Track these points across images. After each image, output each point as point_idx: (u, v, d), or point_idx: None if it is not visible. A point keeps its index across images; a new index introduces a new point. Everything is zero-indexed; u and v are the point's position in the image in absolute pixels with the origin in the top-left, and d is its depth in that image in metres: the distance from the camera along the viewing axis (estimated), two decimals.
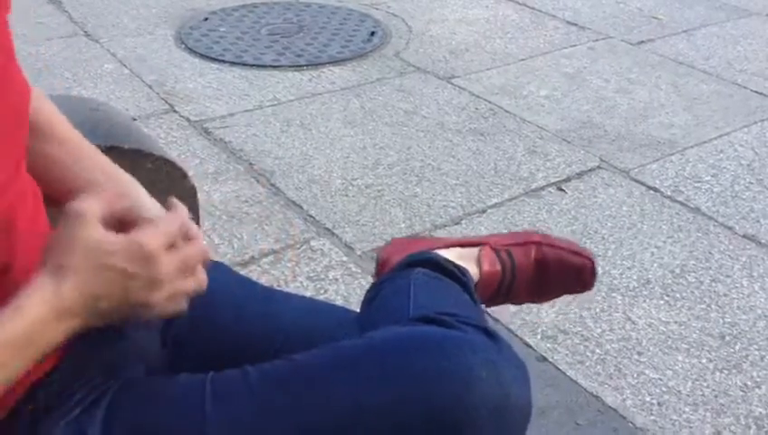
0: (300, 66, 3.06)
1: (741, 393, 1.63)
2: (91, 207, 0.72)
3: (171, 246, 0.73)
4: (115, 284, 0.71)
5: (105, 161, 0.90)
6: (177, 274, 0.73)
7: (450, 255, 1.13)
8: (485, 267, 1.20)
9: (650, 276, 1.96)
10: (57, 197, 0.86)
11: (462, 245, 1.21)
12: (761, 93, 2.96)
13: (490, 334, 0.81)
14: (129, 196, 0.86)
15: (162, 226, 0.73)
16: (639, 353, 1.72)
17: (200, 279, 0.76)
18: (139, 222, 0.75)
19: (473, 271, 1.15)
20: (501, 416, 0.74)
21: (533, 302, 1.30)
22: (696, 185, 2.36)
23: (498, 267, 1.20)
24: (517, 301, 1.27)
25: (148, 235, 0.72)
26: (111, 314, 0.73)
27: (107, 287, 0.71)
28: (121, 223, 0.75)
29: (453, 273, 1.06)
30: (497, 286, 1.20)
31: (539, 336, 1.75)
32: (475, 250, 1.22)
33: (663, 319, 1.82)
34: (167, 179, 1.16)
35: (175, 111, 2.68)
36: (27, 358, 0.70)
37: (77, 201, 0.72)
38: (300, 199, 2.21)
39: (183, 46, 3.19)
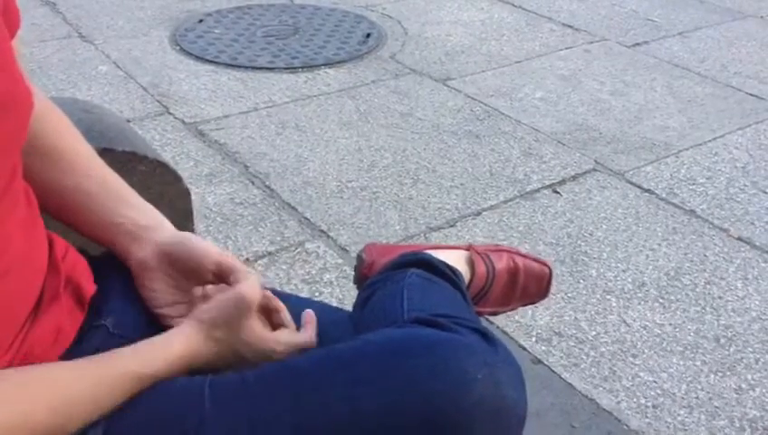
0: (295, 68, 3.05)
1: (735, 396, 1.63)
2: (255, 299, 0.84)
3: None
4: (241, 364, 0.84)
5: (130, 196, 0.92)
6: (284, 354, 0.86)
7: (442, 256, 1.12)
8: (480, 269, 1.20)
9: (645, 279, 1.96)
10: (79, 228, 0.89)
11: (442, 250, 1.21)
12: (755, 96, 2.97)
13: (486, 336, 0.81)
14: (154, 226, 0.90)
15: (300, 335, 0.88)
16: (634, 356, 1.72)
17: None
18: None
19: (464, 272, 1.15)
20: (497, 418, 0.74)
21: (494, 312, 1.30)
22: (690, 187, 2.36)
23: (485, 271, 1.20)
24: (483, 309, 1.26)
25: (286, 337, 0.86)
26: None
27: (233, 365, 0.84)
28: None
29: (446, 274, 1.06)
30: (478, 291, 1.20)
31: (534, 339, 1.75)
32: (464, 252, 1.22)
33: (658, 321, 1.82)
34: (160, 182, 1.15)
35: (169, 113, 2.67)
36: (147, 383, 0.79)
37: (244, 286, 0.84)
38: (295, 202, 2.21)
39: (178, 48, 3.18)
